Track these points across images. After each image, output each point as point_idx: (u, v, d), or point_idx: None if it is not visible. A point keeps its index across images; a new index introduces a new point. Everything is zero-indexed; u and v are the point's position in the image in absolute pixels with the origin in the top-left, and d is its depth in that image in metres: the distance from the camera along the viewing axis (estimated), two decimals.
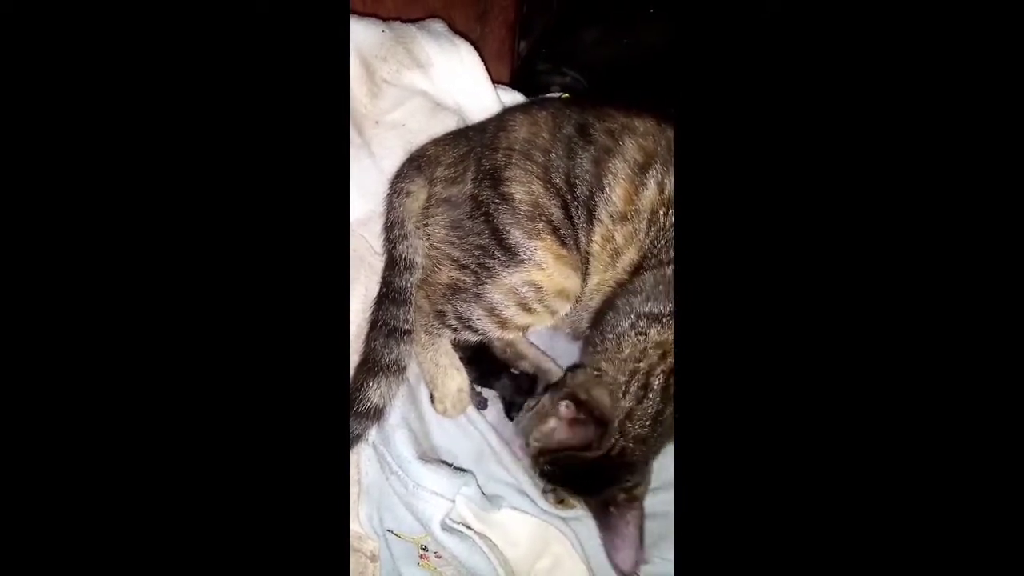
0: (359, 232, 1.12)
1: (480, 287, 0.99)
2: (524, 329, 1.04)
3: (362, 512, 1.00)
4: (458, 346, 1.06)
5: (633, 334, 0.96)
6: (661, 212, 0.97)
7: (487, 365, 1.13)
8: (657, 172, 0.97)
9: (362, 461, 1.02)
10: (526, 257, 0.97)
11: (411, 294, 1.03)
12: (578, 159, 0.99)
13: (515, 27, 1.45)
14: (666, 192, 0.96)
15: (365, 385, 0.97)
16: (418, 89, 1.22)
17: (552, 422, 0.97)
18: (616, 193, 0.97)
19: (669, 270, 0.95)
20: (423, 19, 1.28)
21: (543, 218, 0.98)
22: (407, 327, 1.01)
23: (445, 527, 0.96)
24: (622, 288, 1.00)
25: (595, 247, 1.00)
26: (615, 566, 0.95)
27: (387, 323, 1.01)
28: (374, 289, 1.05)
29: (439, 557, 0.98)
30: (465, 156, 1.05)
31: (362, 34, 1.19)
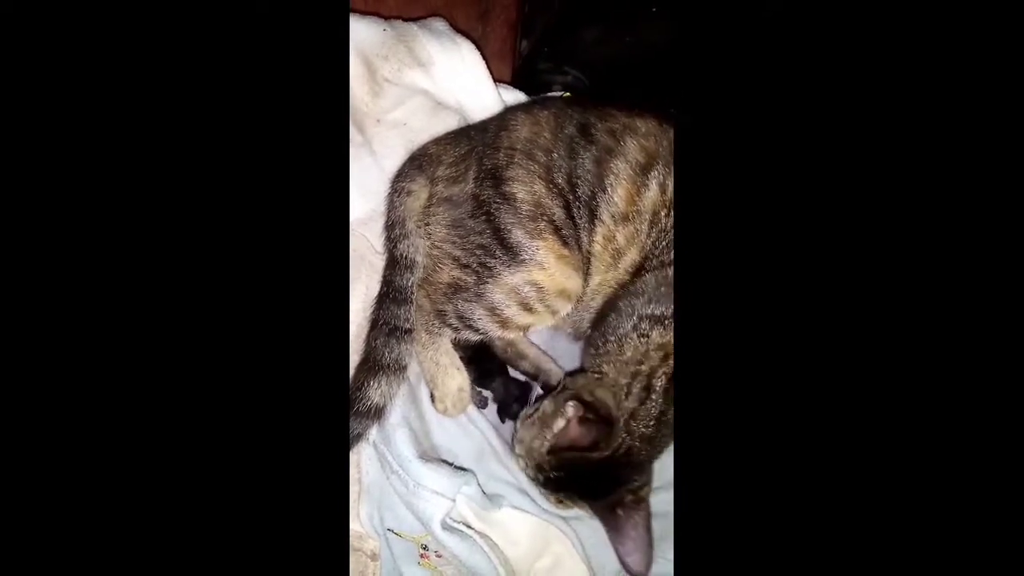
0: (360, 231, 1.12)
1: (481, 286, 0.99)
2: (525, 329, 1.04)
3: (363, 511, 1.00)
4: (459, 345, 1.06)
5: (635, 336, 0.96)
6: (663, 213, 0.97)
7: (487, 364, 1.12)
8: (659, 173, 0.97)
9: (363, 460, 1.02)
10: (528, 257, 0.97)
11: (412, 293, 1.02)
12: (580, 159, 0.99)
13: (517, 26, 1.44)
14: (668, 193, 0.96)
15: (366, 384, 0.97)
16: (419, 88, 1.21)
17: (561, 422, 0.96)
18: (618, 193, 0.97)
19: (671, 271, 0.95)
20: (425, 18, 1.27)
21: (545, 218, 0.98)
22: (408, 326, 1.01)
23: (446, 526, 0.96)
24: (624, 289, 1.00)
25: (597, 247, 1.00)
26: (628, 569, 0.95)
27: (388, 322, 1.01)
28: (375, 288, 1.04)
29: (439, 556, 0.98)
30: (467, 155, 1.05)
31: (363, 33, 1.18)
